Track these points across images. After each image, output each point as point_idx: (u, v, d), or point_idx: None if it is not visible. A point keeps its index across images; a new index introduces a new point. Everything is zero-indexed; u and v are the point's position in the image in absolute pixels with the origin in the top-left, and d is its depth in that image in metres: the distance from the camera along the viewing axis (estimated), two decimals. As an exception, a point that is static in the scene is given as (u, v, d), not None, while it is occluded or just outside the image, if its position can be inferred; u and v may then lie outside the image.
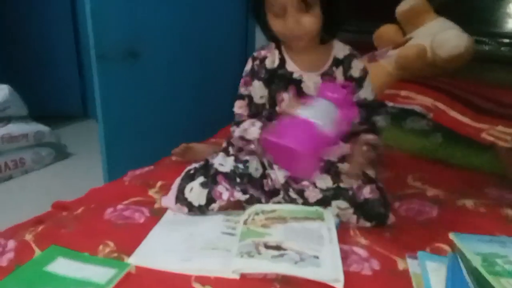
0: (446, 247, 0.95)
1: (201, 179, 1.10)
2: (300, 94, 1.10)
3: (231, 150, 1.22)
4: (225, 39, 2.42)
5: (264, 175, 1.13)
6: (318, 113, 0.93)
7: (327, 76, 1.10)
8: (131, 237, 0.97)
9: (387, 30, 1.97)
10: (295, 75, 1.11)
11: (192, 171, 1.15)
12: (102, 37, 1.75)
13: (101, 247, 0.93)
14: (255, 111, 1.15)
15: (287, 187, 1.10)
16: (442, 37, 1.72)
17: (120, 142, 1.93)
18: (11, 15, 3.14)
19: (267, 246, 0.89)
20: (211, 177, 1.10)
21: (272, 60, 1.12)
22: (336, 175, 1.09)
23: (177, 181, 1.15)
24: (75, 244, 0.94)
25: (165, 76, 2.06)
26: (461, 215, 1.12)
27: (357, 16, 2.12)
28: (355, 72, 1.11)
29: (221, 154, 1.19)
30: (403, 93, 1.73)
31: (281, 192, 1.11)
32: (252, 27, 2.59)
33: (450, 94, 1.68)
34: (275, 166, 1.14)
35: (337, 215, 1.05)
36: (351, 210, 1.04)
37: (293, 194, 1.10)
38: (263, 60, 1.12)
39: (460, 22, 1.82)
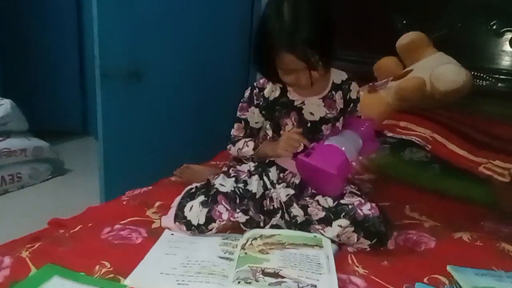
0: (443, 279, 0.96)
1: (201, 198, 1.11)
2: (301, 120, 1.19)
3: (231, 172, 1.23)
4: (228, 64, 2.45)
5: (263, 196, 1.15)
6: (347, 142, 1.14)
7: (328, 99, 1.20)
8: (128, 257, 0.97)
9: (387, 62, 2.01)
10: (297, 103, 1.19)
11: (193, 190, 1.16)
12: (107, 56, 1.78)
13: (97, 267, 0.92)
14: (250, 134, 1.25)
15: (290, 203, 1.13)
16: (440, 71, 1.75)
17: (118, 160, 1.93)
18: (16, 30, 3.18)
19: (265, 273, 0.89)
20: (211, 196, 1.11)
21: (271, 89, 1.20)
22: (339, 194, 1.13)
23: (177, 199, 1.16)
24: (71, 263, 0.93)
25: (167, 97, 2.08)
26: (458, 247, 1.12)
27: (359, 47, 2.18)
28: (354, 94, 1.24)
29: (222, 175, 1.21)
30: (402, 123, 1.75)
31: (280, 212, 1.13)
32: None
33: (448, 127, 1.70)
34: (279, 186, 1.16)
35: (337, 236, 1.05)
36: (351, 228, 1.04)
37: (295, 211, 1.12)
38: (262, 89, 1.21)
39: (458, 57, 1.86)
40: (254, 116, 1.22)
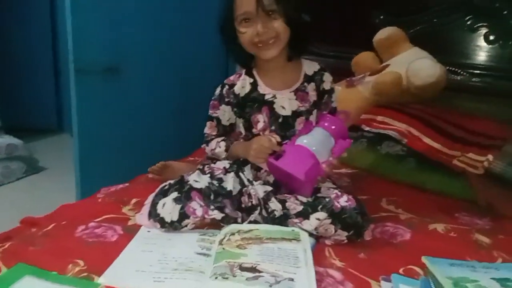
0: (418, 270, 0.97)
1: (174, 194, 1.09)
2: (273, 115, 1.18)
3: (206, 169, 1.21)
4: (206, 59, 2.43)
5: (241, 192, 1.13)
6: (318, 143, 1.12)
7: (300, 92, 1.19)
8: (103, 256, 0.95)
9: (364, 57, 2.02)
10: (268, 97, 1.19)
11: (166, 187, 1.14)
12: (82, 51, 1.74)
13: (70, 266, 0.90)
14: (222, 132, 1.25)
15: (268, 198, 1.12)
16: (416, 66, 1.78)
17: (95, 157, 1.90)
18: (-12, 26, 3.10)
19: (242, 268, 0.89)
20: (185, 193, 1.09)
21: (241, 85, 1.20)
22: (314, 190, 1.13)
23: (151, 196, 1.14)
24: (43, 262, 0.91)
25: (144, 93, 2.05)
26: (433, 239, 1.14)
27: (337, 42, 2.20)
28: (327, 85, 1.23)
29: (197, 172, 1.19)
30: (379, 118, 1.77)
31: (258, 209, 1.12)
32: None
33: (424, 121, 1.72)
34: (256, 183, 1.15)
35: (315, 229, 1.05)
36: (329, 221, 1.04)
37: (273, 205, 1.10)
38: (232, 86, 1.20)
39: (434, 53, 1.89)
40: (225, 114, 1.22)
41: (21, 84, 3.28)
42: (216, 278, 0.85)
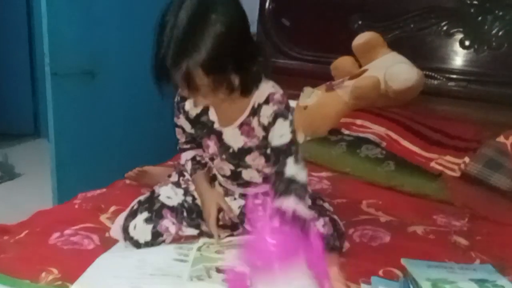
0: (397, 272, 0.97)
1: (145, 214, 1.05)
2: (223, 145, 1.06)
3: (182, 182, 1.16)
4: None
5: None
6: None
7: (245, 126, 1.02)
8: (78, 264, 0.92)
9: (343, 62, 2.04)
10: (216, 126, 1.05)
11: (135, 207, 1.08)
12: (57, 54, 1.71)
13: (43, 274, 0.88)
14: (190, 139, 1.14)
15: (243, 218, 1.07)
16: (394, 70, 1.80)
17: (72, 162, 1.86)
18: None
19: (219, 270, 0.88)
20: (155, 211, 1.05)
21: (192, 104, 1.05)
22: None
23: (122, 216, 1.08)
24: (15, 270, 0.88)
25: (121, 96, 2.01)
26: (412, 241, 1.15)
27: (316, 47, 2.21)
28: (264, 119, 1.00)
29: (170, 185, 1.14)
30: (358, 121, 1.79)
31: (240, 227, 1.08)
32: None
33: (402, 124, 1.75)
34: (228, 199, 1.11)
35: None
36: None
37: (248, 227, 1.07)
38: (183, 99, 1.06)
39: (411, 57, 1.92)
40: (186, 124, 1.11)
41: (-4, 88, 3.21)
42: (191, 280, 0.84)
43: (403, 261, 0.99)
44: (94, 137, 1.93)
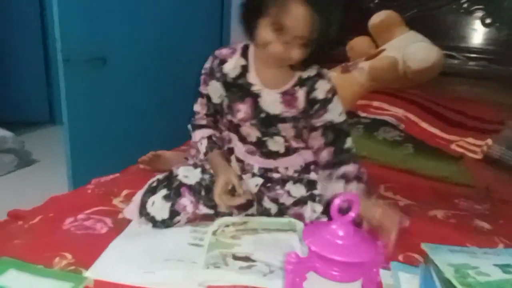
0: (418, 257, 0.95)
1: (163, 191, 1.04)
2: (257, 108, 1.05)
3: (197, 162, 1.15)
4: (195, 48, 2.37)
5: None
6: None
7: (288, 95, 1.03)
8: (91, 248, 0.91)
9: (360, 42, 1.99)
10: (254, 88, 1.04)
11: (154, 184, 1.09)
12: (69, 40, 1.69)
13: (57, 259, 0.87)
14: (212, 111, 1.13)
15: (261, 196, 1.07)
16: (412, 49, 1.75)
17: (86, 148, 1.86)
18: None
19: (236, 257, 0.86)
20: (174, 189, 1.05)
21: (232, 66, 1.05)
22: (309, 183, 1.07)
23: (139, 194, 1.08)
24: (29, 255, 0.87)
25: (133, 82, 2.00)
26: (432, 225, 1.12)
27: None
28: (320, 93, 1.03)
29: (187, 166, 1.13)
30: (375, 103, 1.74)
31: (255, 204, 1.07)
32: (226, 36, 2.57)
33: (421, 105, 1.70)
34: (245, 176, 1.10)
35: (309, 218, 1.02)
36: (325, 219, 1.00)
37: (267, 204, 1.06)
38: (222, 62, 1.07)
39: (429, 36, 1.85)
40: (216, 90, 1.08)
41: (12, 77, 3.23)
42: (208, 267, 0.82)
43: (423, 246, 0.96)
44: (108, 122, 1.92)
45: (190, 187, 1.05)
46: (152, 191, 1.06)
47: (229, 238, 0.95)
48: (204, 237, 0.98)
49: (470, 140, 1.52)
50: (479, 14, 1.92)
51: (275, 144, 1.09)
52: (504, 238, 1.06)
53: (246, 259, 0.85)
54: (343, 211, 0.74)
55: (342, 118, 1.06)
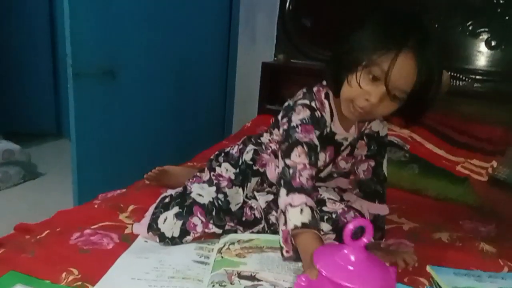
0: (423, 280, 0.94)
1: (176, 209, 1.05)
2: (335, 155, 1.06)
3: (213, 178, 1.14)
4: (205, 63, 2.42)
5: (242, 206, 1.08)
6: None
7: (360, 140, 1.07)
8: (98, 264, 0.92)
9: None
10: (338, 137, 1.03)
11: (167, 200, 1.10)
12: (79, 54, 1.72)
13: (64, 274, 0.87)
14: (315, 162, 0.95)
15: (269, 210, 1.07)
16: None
17: (93, 162, 1.87)
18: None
19: (241, 276, 0.86)
20: (186, 207, 1.05)
21: (327, 117, 1.00)
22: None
23: (151, 208, 1.09)
24: (36, 270, 0.88)
25: (142, 97, 2.03)
26: (437, 248, 1.11)
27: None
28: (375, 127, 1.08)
29: (202, 184, 1.13)
30: (381, 124, 1.75)
31: (262, 222, 1.07)
32: (233, 52, 2.60)
33: (426, 126, 1.71)
34: (256, 194, 1.11)
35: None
36: (333, 236, 1.01)
37: (273, 218, 1.06)
38: (322, 115, 1.00)
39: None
40: (317, 141, 0.96)
41: (20, 89, 3.27)
42: (213, 286, 0.83)
43: (429, 269, 0.96)
44: (115, 137, 1.94)
45: (202, 206, 1.05)
46: (164, 207, 1.07)
47: (235, 256, 0.95)
48: (209, 254, 0.98)
49: (475, 162, 1.53)
50: (485, 36, 1.95)
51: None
52: (509, 261, 1.05)
53: (252, 278, 0.86)
54: (356, 235, 0.74)
55: (385, 131, 1.09)
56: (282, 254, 0.90)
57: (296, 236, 0.85)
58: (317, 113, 0.98)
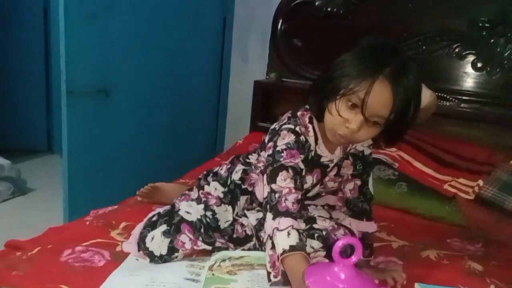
0: (411, 298, 0.95)
1: (163, 227, 1.06)
2: (322, 177, 1.07)
3: (201, 195, 1.16)
4: (198, 81, 2.45)
5: (233, 224, 1.09)
6: None
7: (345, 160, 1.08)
8: (89, 281, 0.92)
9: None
10: (323, 160, 1.05)
11: (154, 218, 1.10)
12: (73, 72, 1.74)
13: (55, 291, 0.87)
14: (300, 186, 0.97)
15: (260, 227, 1.07)
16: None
17: (84, 180, 1.87)
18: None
19: (232, 294, 0.87)
20: (174, 225, 1.06)
21: (311, 141, 1.02)
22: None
23: (139, 227, 1.10)
24: (27, 287, 0.88)
25: (135, 115, 2.04)
26: (425, 266, 1.13)
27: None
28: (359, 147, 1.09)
29: (190, 202, 1.14)
30: (370, 142, 1.78)
31: (254, 239, 1.08)
32: (226, 70, 2.64)
33: (414, 145, 1.74)
34: (247, 212, 1.12)
35: (308, 255, 1.02)
36: (323, 253, 1.01)
37: (264, 235, 1.07)
38: (306, 140, 1.01)
39: (423, 79, 1.89)
40: (302, 166, 0.98)
41: (12, 105, 3.26)
42: (204, 304, 0.83)
43: (417, 286, 0.97)
44: (107, 154, 1.95)
45: (190, 224, 1.06)
46: (151, 226, 1.07)
47: (226, 273, 0.96)
48: (200, 272, 0.99)
49: (462, 180, 1.56)
50: (471, 58, 2.00)
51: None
52: (496, 280, 1.07)
53: (242, 295, 0.86)
54: (345, 253, 0.75)
55: (369, 150, 1.11)
56: (269, 279, 0.89)
57: (284, 259, 0.85)
58: (302, 138, 0.99)
